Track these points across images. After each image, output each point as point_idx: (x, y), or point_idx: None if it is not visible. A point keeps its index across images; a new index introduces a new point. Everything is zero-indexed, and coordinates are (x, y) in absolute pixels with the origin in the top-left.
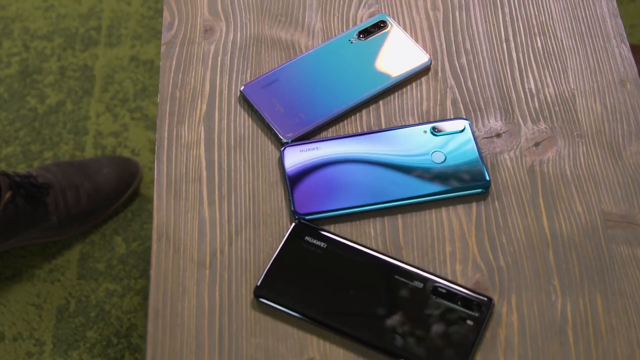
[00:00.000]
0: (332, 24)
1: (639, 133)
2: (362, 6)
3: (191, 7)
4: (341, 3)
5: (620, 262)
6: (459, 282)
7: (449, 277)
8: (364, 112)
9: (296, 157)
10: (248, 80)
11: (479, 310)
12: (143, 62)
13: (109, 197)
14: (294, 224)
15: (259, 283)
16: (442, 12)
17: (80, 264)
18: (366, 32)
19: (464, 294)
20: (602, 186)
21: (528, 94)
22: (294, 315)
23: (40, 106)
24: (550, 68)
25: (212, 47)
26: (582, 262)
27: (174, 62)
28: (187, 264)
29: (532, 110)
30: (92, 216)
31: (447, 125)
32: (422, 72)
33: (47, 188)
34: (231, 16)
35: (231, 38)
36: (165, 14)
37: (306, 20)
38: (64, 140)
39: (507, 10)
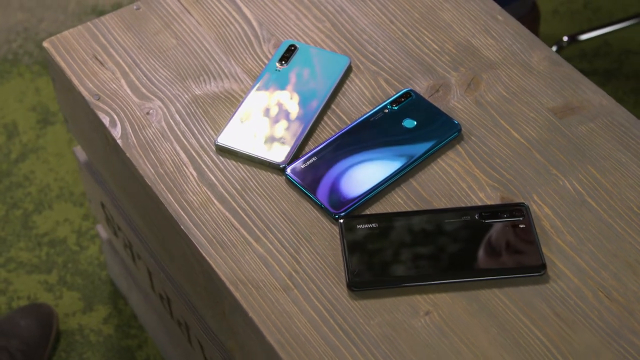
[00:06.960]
0: (249, 65)
1: (531, 45)
2: (262, 42)
3: (118, 99)
4: (243, 47)
5: (586, 137)
6: (491, 203)
7: (481, 204)
8: (325, 118)
9: (302, 171)
10: (213, 135)
11: (521, 215)
12: None
13: (39, 345)
14: (340, 222)
15: (348, 277)
16: (328, 21)
17: None
18: (284, 59)
19: (504, 208)
20: (535, 93)
21: (436, 53)
22: (392, 287)
23: None
24: (438, 29)
25: (163, 124)
26: (562, 149)
27: (139, 149)
28: (276, 293)
29: (448, 63)
30: None
31: (398, 99)
32: (348, 71)
33: None
34: (159, 92)
35: (173, 110)
36: (101, 115)
37: (225, 70)
38: None
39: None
